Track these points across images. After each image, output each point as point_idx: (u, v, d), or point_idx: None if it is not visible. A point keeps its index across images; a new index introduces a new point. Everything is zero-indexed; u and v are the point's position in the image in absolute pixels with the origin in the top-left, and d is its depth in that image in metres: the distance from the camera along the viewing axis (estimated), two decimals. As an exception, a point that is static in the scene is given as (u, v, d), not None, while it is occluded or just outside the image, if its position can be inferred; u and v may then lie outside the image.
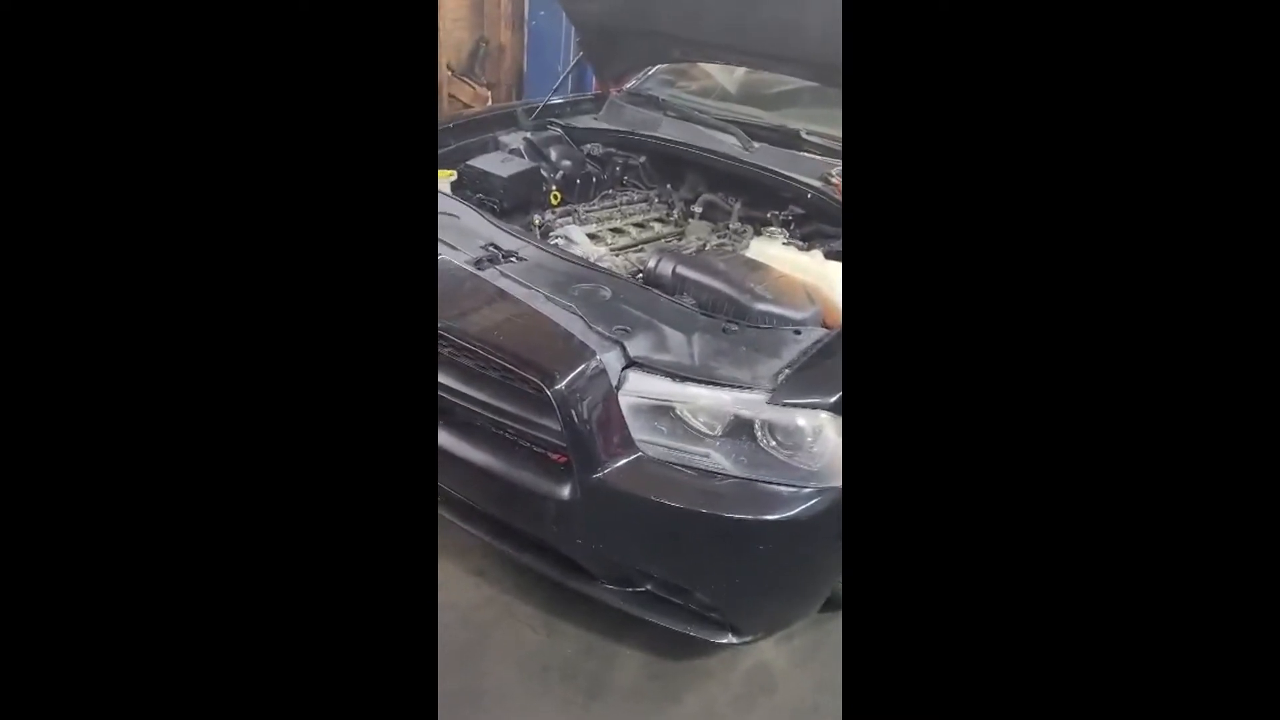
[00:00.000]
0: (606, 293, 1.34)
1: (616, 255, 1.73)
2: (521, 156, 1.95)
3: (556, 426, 1.19)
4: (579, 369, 1.18)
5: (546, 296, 1.31)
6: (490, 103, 3.67)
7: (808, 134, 1.90)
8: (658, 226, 1.96)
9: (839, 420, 1.16)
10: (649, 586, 1.31)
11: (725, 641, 1.30)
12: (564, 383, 1.16)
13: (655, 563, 1.27)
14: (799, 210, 1.83)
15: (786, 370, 1.19)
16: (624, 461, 1.19)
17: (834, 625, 1.58)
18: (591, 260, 1.56)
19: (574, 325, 1.24)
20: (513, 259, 1.42)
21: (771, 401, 1.15)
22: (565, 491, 1.22)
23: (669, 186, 2.08)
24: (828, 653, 1.55)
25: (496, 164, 1.87)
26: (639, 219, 1.96)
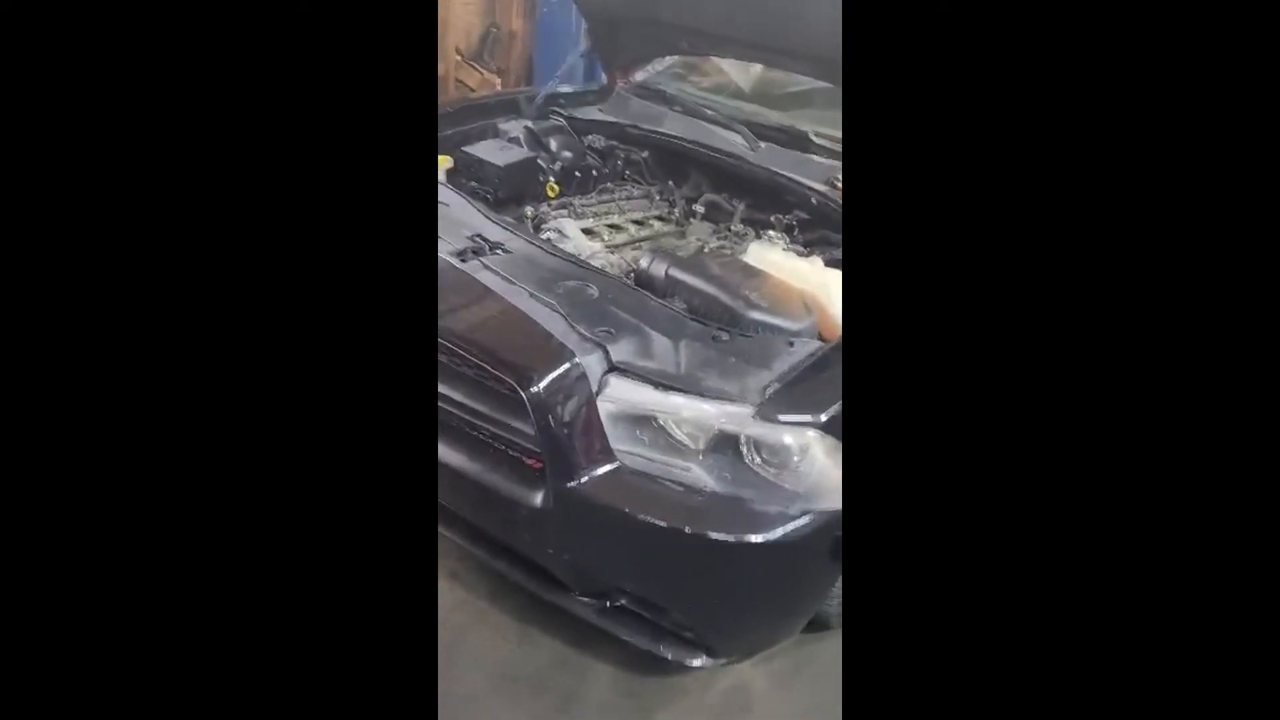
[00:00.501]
0: (593, 291, 1.28)
1: (611, 252, 1.67)
2: (520, 145, 1.89)
3: (531, 430, 1.13)
4: (557, 371, 1.12)
5: (530, 293, 1.25)
6: (499, 89, 3.62)
7: (817, 136, 1.83)
8: (657, 225, 1.90)
9: (828, 439, 1.10)
10: (623, 601, 1.25)
11: (699, 664, 1.25)
12: (541, 385, 1.11)
13: (629, 578, 1.21)
14: (803, 215, 1.76)
15: (776, 384, 1.13)
16: (601, 471, 1.14)
17: (817, 647, 1.52)
18: (582, 256, 1.50)
19: (555, 325, 1.18)
20: (498, 251, 1.37)
21: (758, 416, 1.09)
22: (538, 499, 1.16)
23: (671, 184, 2.02)
24: (810, 675, 1.49)
25: (494, 152, 1.81)
26: (638, 216, 1.90)
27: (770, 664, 1.49)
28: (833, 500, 1.11)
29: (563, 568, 1.24)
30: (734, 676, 1.46)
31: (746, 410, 1.10)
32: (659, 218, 1.93)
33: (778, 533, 1.10)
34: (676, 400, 1.12)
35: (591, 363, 1.15)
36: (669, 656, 1.24)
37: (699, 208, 1.95)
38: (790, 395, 1.12)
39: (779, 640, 1.36)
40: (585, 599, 1.27)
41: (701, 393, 1.12)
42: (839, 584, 1.31)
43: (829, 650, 1.55)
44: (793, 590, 1.23)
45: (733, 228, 1.86)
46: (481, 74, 3.72)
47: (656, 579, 1.20)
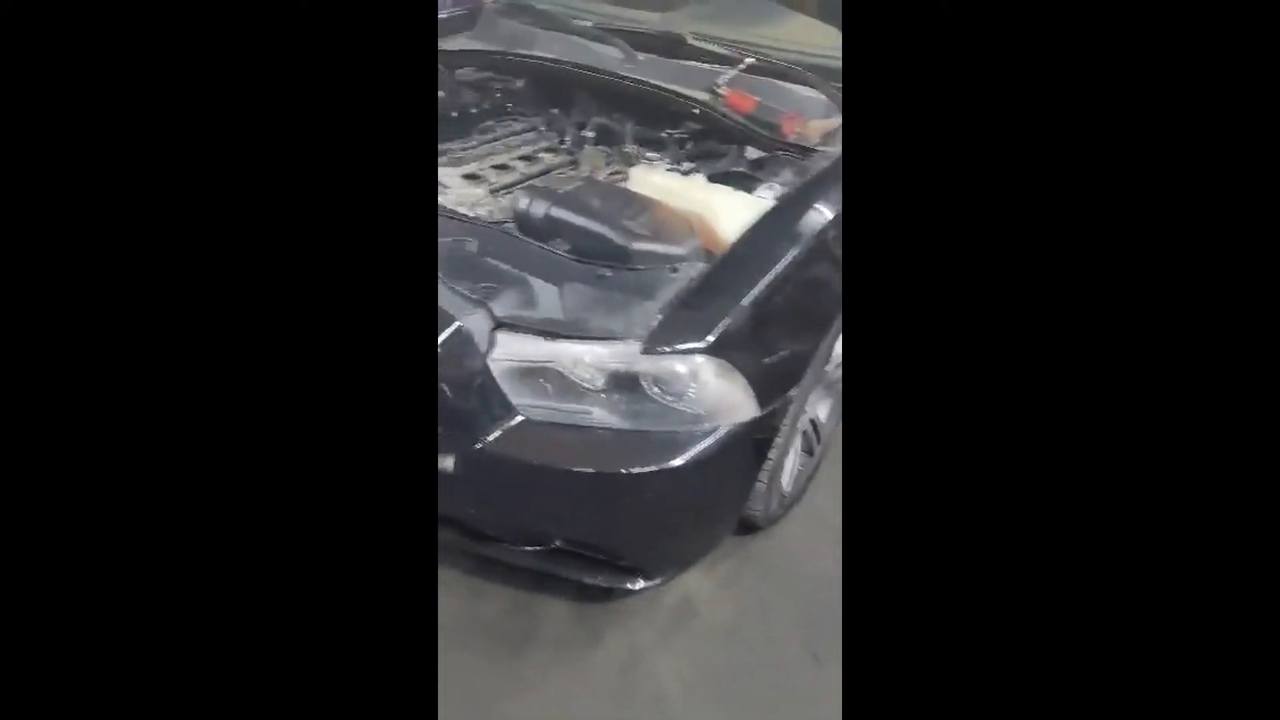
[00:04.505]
0: (471, 245, 1.24)
1: (499, 195, 1.61)
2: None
3: (427, 400, 1.11)
4: (440, 338, 1.10)
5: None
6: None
7: (694, 39, 1.75)
8: (548, 158, 1.82)
9: (715, 361, 1.11)
10: (557, 543, 1.29)
11: (638, 587, 1.31)
12: (426, 354, 1.08)
13: (555, 524, 1.24)
14: (696, 127, 1.71)
15: (658, 316, 1.12)
16: (504, 428, 1.14)
17: (755, 546, 1.61)
18: (462, 208, 1.44)
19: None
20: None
21: (645, 352, 1.10)
22: (450, 464, 1.17)
23: (556, 111, 1.92)
24: (752, 574, 1.59)
25: None
26: (526, 152, 1.81)
27: (713, 569, 1.58)
28: (731, 415, 1.14)
29: (489, 524, 1.26)
30: (679, 588, 1.54)
31: (634, 347, 1.10)
32: (549, 150, 1.85)
33: (684, 456, 1.13)
34: (565, 347, 1.11)
35: (476, 322, 1.12)
36: (608, 586, 1.30)
37: (589, 133, 1.87)
38: (674, 323, 1.12)
39: (709, 550, 1.43)
40: (522, 547, 1.31)
41: (588, 336, 1.11)
42: (759, 487, 1.38)
43: (765, 547, 1.65)
44: (712, 504, 1.28)
45: (625, 149, 1.80)
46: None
47: (581, 520, 1.23)
